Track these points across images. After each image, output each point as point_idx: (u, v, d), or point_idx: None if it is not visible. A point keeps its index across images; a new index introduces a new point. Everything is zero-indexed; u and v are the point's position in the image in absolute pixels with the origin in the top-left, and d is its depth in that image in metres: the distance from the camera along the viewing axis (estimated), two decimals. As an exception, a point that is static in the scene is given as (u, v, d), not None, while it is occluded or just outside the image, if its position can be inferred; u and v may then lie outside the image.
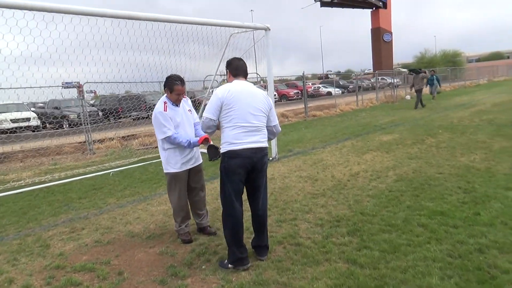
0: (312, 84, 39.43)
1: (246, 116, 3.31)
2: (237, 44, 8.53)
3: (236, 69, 3.55)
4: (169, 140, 3.90)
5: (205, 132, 3.57)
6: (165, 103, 3.99)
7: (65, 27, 5.76)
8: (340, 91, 35.99)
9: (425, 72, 19.39)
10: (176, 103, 4.02)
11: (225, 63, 3.68)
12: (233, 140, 3.30)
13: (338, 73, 54.08)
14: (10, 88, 8.87)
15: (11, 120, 17.85)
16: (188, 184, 4.15)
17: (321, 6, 47.95)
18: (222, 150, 3.40)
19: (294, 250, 3.65)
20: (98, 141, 11.26)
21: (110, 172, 7.67)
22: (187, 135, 3.99)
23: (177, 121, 3.97)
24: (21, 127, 17.27)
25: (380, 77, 36.18)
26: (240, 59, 3.67)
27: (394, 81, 24.88)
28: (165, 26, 6.73)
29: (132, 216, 5.06)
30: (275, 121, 3.65)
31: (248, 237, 3.92)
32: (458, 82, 37.27)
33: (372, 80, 36.95)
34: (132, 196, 5.99)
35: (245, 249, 3.45)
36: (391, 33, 51.36)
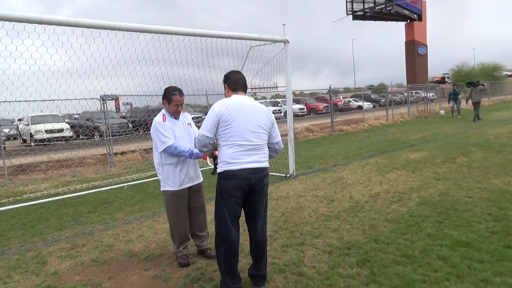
0: (342, 97, 38.79)
1: (245, 134, 3.06)
2: (260, 57, 8.35)
3: (235, 82, 3.31)
4: (169, 150, 3.68)
5: (200, 151, 3.34)
6: (163, 115, 3.83)
7: (102, 41, 5.94)
8: (371, 105, 35.27)
9: (483, 85, 18.83)
10: (175, 115, 3.85)
11: (223, 77, 3.45)
12: (230, 159, 3.04)
13: (370, 87, 53.04)
14: (49, 100, 9.34)
15: (45, 131, 18.47)
16: (188, 203, 3.93)
17: (353, 19, 47.46)
18: (218, 170, 3.15)
19: (295, 281, 3.32)
20: (120, 153, 11.33)
21: (125, 186, 7.59)
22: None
23: (176, 135, 3.78)
24: (55, 138, 17.92)
25: (413, 91, 35.11)
26: (238, 72, 3.45)
27: (428, 95, 23.93)
28: (195, 40, 6.78)
29: (136, 233, 4.88)
30: (277, 138, 3.37)
31: (248, 263, 3.64)
32: (498, 96, 35.50)
33: (405, 94, 35.88)
34: (140, 212, 5.84)
35: (239, 279, 3.16)
36: (426, 46, 49.95)
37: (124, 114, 25.37)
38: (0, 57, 5.61)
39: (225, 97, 3.34)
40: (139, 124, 17.89)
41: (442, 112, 22.50)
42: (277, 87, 10.84)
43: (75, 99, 10.38)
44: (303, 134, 15.45)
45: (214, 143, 3.23)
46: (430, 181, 6.52)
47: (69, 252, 4.37)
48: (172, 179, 3.79)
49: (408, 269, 3.38)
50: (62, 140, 18.04)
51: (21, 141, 20.83)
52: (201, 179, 4.01)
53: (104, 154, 11.07)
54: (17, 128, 23.45)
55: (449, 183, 6.29)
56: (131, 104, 24.91)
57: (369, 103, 34.31)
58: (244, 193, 3.09)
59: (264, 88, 10.28)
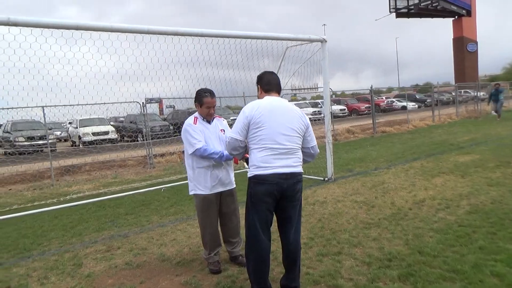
0: (385, 98, 37.53)
1: (277, 137, 2.90)
2: (298, 57, 8.17)
3: (268, 83, 3.17)
4: (199, 152, 3.59)
5: (230, 153, 3.21)
6: (195, 118, 3.76)
7: (145, 46, 6.13)
8: (416, 106, 33.81)
9: None
10: (207, 118, 3.76)
11: (256, 78, 3.32)
12: (260, 163, 2.90)
13: (414, 87, 50.97)
14: (96, 103, 9.87)
15: (92, 133, 19.27)
16: (219, 208, 3.83)
17: (396, 17, 45.81)
18: (248, 174, 3.02)
19: (330, 295, 3.11)
20: (160, 155, 11.52)
21: (162, 188, 7.66)
22: None
23: (206, 138, 3.69)
24: (101, 140, 18.67)
25: (462, 90, 33.28)
26: (272, 73, 3.30)
27: (478, 94, 22.55)
28: (235, 42, 6.83)
29: (170, 237, 4.85)
30: (313, 142, 3.18)
31: (281, 272, 3.47)
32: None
33: (453, 93, 34.11)
34: (175, 215, 5.83)
35: None
36: (476, 42, 47.23)
37: (166, 116, 26.00)
38: (50, 63, 5.92)
39: (258, 98, 3.21)
40: (180, 126, 18.21)
41: (494, 112, 21.11)
42: (317, 88, 10.63)
43: (118, 102, 10.85)
44: (344, 136, 15.02)
45: (246, 146, 3.10)
46: (481, 187, 6.02)
47: (104, 254, 4.41)
48: (203, 183, 3.70)
49: (457, 286, 3.06)
50: (107, 142, 18.82)
51: (71, 143, 21.85)
52: (234, 185, 3.88)
53: (145, 156, 11.30)
54: (67, 131, 24.71)
55: (504, 189, 5.77)
56: (174, 107, 25.50)
57: (413, 103, 32.90)
58: (275, 199, 2.93)
59: (304, 89, 10.08)
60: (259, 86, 3.23)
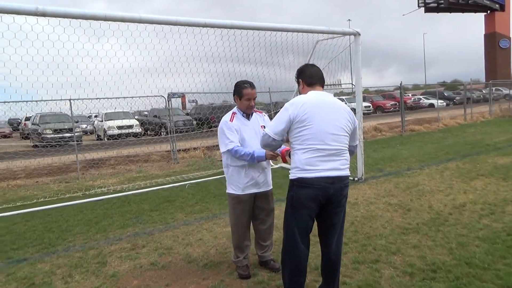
0: (412, 95, 36.50)
1: (324, 137, 2.63)
2: (324, 51, 7.89)
3: (311, 76, 2.90)
4: (231, 153, 3.39)
5: (263, 147, 3.01)
6: (233, 114, 3.54)
7: (167, 41, 6.09)
8: (444, 104, 32.72)
9: None
10: (247, 112, 3.52)
11: (296, 72, 3.05)
12: (305, 165, 2.63)
13: (442, 84, 49.43)
14: (120, 97, 9.95)
15: (117, 127, 19.42)
16: (253, 210, 3.61)
17: (425, 12, 44.46)
18: (291, 176, 2.75)
19: (371, 308, 2.86)
20: (183, 150, 11.43)
21: (186, 184, 7.53)
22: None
23: (243, 135, 3.46)
24: (125, 134, 18.81)
25: (493, 88, 31.98)
26: (313, 65, 3.04)
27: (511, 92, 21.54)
28: (259, 35, 6.69)
29: (195, 236, 4.68)
30: (356, 141, 2.93)
31: (315, 280, 3.24)
32: None
33: (484, 91, 32.82)
34: (200, 213, 5.67)
35: None
36: (509, 38, 45.31)
37: (189, 111, 26.03)
38: (78, 56, 5.88)
39: (300, 93, 2.95)
40: (203, 121, 18.18)
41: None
42: (340, 84, 10.31)
43: (144, 96, 10.95)
44: (371, 134, 14.56)
45: (281, 143, 2.87)
46: (527, 191, 5.60)
47: (129, 252, 4.28)
48: (235, 182, 3.50)
49: (516, 305, 2.76)
50: (131, 136, 18.96)
51: (96, 137, 22.15)
52: (270, 187, 3.63)
53: (169, 151, 11.24)
54: (93, 124, 25.08)
55: (553, 195, 5.34)
56: (196, 101, 25.52)
57: (441, 101, 31.85)
58: (319, 204, 2.68)
59: (328, 85, 9.77)
60: (301, 80, 2.95)
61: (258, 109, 3.76)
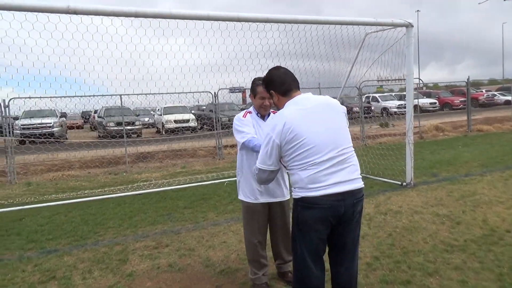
0: (485, 91, 33.47)
1: (322, 147, 2.23)
2: (378, 45, 7.35)
3: (283, 83, 2.46)
4: (245, 146, 3.10)
5: (261, 184, 2.76)
6: (246, 112, 3.29)
7: (231, 39, 6.13)
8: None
9: None
10: (261, 112, 3.24)
11: (262, 83, 2.75)
12: (308, 184, 2.24)
13: (523, 79, 44.72)
14: (181, 92, 10.46)
15: (174, 120, 20.04)
16: (269, 221, 3.35)
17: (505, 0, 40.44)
18: (294, 195, 2.37)
19: None
20: (230, 146, 11.41)
21: (225, 182, 7.44)
22: None
23: (258, 138, 3.21)
24: (182, 127, 19.36)
25: None
26: (277, 68, 2.59)
27: None
28: (323, 30, 6.48)
29: (220, 238, 4.54)
30: None
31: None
32: None
33: None
34: (232, 213, 5.52)
35: None
36: None
37: (245, 106, 26.17)
38: (145, 52, 6.10)
39: (277, 107, 2.55)
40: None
41: None
42: (404, 79, 9.52)
43: (192, 92, 11.14)
44: (431, 133, 13.49)
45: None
46: None
47: (151, 251, 4.24)
48: (248, 189, 3.26)
49: None
50: (187, 130, 19.45)
51: (156, 130, 23.08)
52: (286, 197, 3.33)
53: (214, 147, 11.28)
54: (154, 118, 26.18)
55: None
56: (254, 96, 25.53)
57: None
58: (329, 226, 2.30)
59: (391, 80, 9.17)
60: (272, 91, 2.52)
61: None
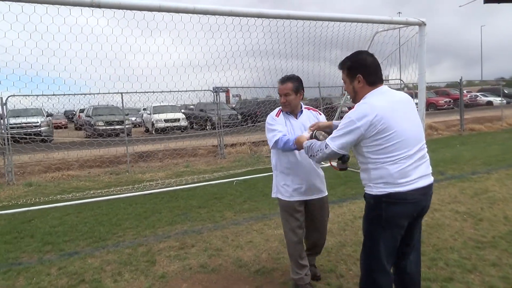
0: (467, 92, 34.27)
1: (409, 142, 2.22)
2: (380, 44, 7.43)
3: (376, 72, 2.35)
4: (278, 146, 3.03)
5: (317, 162, 2.67)
6: (280, 110, 3.25)
7: (218, 35, 6.02)
8: (504, 101, 30.37)
9: None
10: (284, 109, 3.20)
11: (346, 63, 2.42)
12: (398, 179, 2.20)
13: (500, 80, 45.98)
14: (171, 91, 10.37)
15: (164, 120, 19.76)
16: (306, 217, 3.29)
17: (485, 3, 41.38)
18: (374, 192, 2.28)
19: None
20: (230, 145, 11.31)
21: (234, 180, 7.35)
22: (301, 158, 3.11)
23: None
24: (172, 127, 19.12)
25: None
26: (371, 54, 2.44)
27: None
28: (309, 30, 6.50)
29: (245, 238, 4.46)
30: None
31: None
32: None
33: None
34: (250, 212, 5.45)
35: None
36: None
37: (234, 105, 26.06)
38: (130, 52, 6.03)
39: (355, 93, 2.40)
40: (247, 115, 18.01)
41: None
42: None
43: (191, 90, 11.09)
44: (426, 132, 13.65)
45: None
46: None
47: (178, 252, 4.13)
48: (283, 187, 3.19)
49: None
50: (178, 129, 19.23)
51: (144, 129, 22.71)
52: (323, 193, 3.28)
53: (216, 146, 11.16)
54: (142, 117, 25.77)
55: None
56: (240, 96, 25.50)
57: (501, 99, 29.61)
58: (410, 220, 2.31)
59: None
60: (360, 75, 2.33)
61: (304, 104, 3.42)
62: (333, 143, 2.29)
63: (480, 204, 5.23)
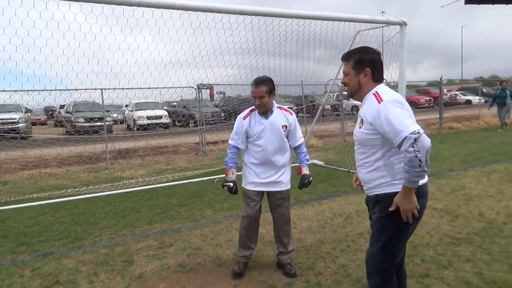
0: (447, 91, 34.98)
1: None
2: (362, 43, 7.49)
3: (382, 70, 2.39)
4: (228, 150, 3.56)
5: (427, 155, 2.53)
6: (251, 110, 3.42)
7: (200, 32, 6.05)
8: (483, 100, 31.12)
9: None
10: (258, 110, 3.35)
11: (355, 55, 2.37)
12: None
13: (479, 79, 47.08)
14: (151, 88, 10.22)
15: (146, 117, 19.49)
16: (270, 210, 3.57)
17: (466, 3, 42.18)
18: (395, 188, 2.27)
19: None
20: (211, 143, 11.23)
21: (215, 178, 7.31)
22: (266, 155, 3.36)
23: (261, 135, 3.36)
24: (154, 124, 18.88)
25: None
26: (378, 53, 2.44)
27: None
28: (291, 29, 6.54)
29: (225, 236, 4.44)
30: None
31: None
32: None
33: (527, 88, 30.98)
34: (230, 210, 5.42)
35: None
36: (556, 32, 42.59)
37: (217, 103, 25.91)
38: (109, 51, 5.97)
39: (359, 86, 2.35)
40: (231, 112, 17.98)
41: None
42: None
43: (174, 87, 11.03)
44: (406, 131, 13.90)
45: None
46: None
47: (156, 251, 4.08)
48: (246, 177, 3.53)
49: None
50: (160, 126, 19.01)
51: (126, 126, 22.38)
52: (284, 187, 3.46)
53: (197, 143, 11.07)
54: (124, 114, 25.37)
55: None
56: (224, 93, 25.39)
57: (479, 98, 30.33)
58: None
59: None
60: (368, 69, 2.31)
61: (286, 101, 3.57)
62: (412, 126, 2.15)
63: (456, 201, 5.33)
